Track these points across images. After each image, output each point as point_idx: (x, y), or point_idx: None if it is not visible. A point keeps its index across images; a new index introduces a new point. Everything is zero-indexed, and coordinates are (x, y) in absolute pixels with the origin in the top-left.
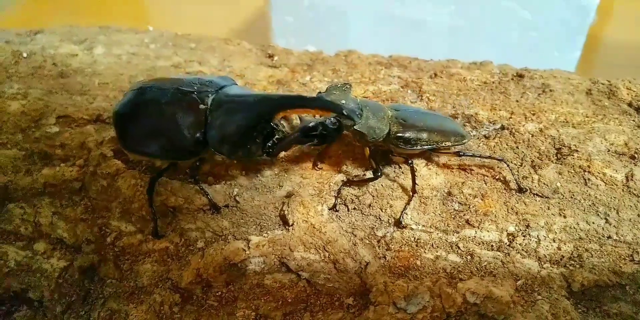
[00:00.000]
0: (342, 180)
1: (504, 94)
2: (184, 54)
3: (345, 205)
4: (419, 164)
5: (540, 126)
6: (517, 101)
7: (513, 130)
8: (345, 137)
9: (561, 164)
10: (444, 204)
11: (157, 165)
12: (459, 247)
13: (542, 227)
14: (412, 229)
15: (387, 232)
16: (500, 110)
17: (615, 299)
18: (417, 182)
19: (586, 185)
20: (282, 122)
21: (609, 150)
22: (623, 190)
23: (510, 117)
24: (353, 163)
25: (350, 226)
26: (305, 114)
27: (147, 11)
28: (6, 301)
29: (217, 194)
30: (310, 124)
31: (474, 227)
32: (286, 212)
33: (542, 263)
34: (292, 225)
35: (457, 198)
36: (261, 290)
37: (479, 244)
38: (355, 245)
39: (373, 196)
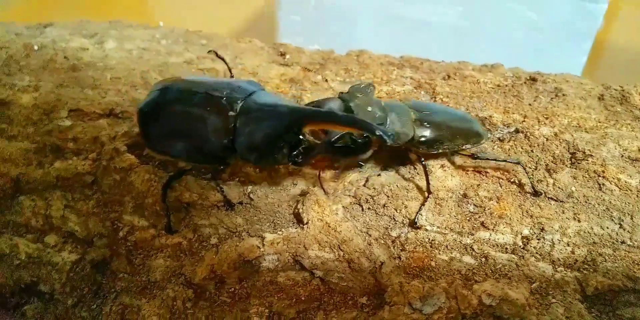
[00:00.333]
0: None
1: (517, 97)
2: (196, 51)
3: (359, 205)
4: (434, 165)
5: (555, 130)
6: (530, 105)
7: (528, 134)
8: None
9: (576, 169)
10: (459, 206)
11: (180, 166)
12: (473, 249)
13: (557, 230)
14: (426, 230)
15: (402, 233)
16: (513, 113)
17: (629, 304)
18: (432, 183)
19: (600, 190)
20: (308, 131)
21: (622, 156)
22: (638, 196)
23: (524, 121)
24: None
25: (365, 226)
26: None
27: (151, 8)
28: (16, 293)
29: (230, 191)
30: (338, 136)
31: (488, 229)
32: (301, 210)
33: (556, 266)
34: (306, 223)
35: (472, 200)
36: (274, 288)
37: (494, 247)
38: (370, 245)
39: (388, 196)
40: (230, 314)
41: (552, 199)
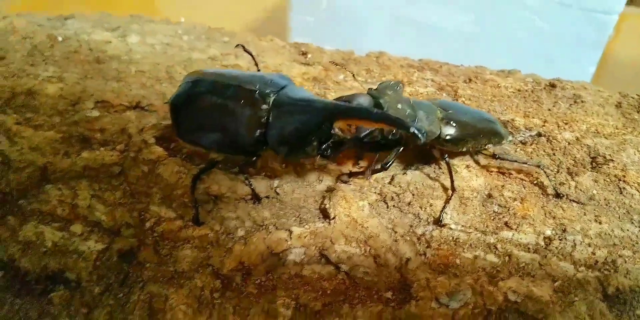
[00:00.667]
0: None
1: (537, 102)
2: (218, 47)
3: (384, 202)
4: (460, 165)
5: (576, 135)
6: (549, 110)
7: (550, 138)
8: None
9: (597, 173)
10: (483, 206)
11: (212, 157)
12: (497, 248)
13: (578, 232)
14: (451, 228)
15: (427, 230)
16: (533, 117)
17: None
18: (458, 183)
19: (621, 193)
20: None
21: None
22: None
23: (544, 125)
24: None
25: (390, 223)
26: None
27: (156, 6)
28: (41, 281)
29: (258, 185)
30: (368, 131)
31: (512, 229)
32: (328, 205)
33: (578, 266)
34: (333, 218)
35: (497, 200)
36: (300, 281)
37: (517, 246)
38: (396, 241)
39: (413, 195)
40: (257, 305)
41: (573, 201)
